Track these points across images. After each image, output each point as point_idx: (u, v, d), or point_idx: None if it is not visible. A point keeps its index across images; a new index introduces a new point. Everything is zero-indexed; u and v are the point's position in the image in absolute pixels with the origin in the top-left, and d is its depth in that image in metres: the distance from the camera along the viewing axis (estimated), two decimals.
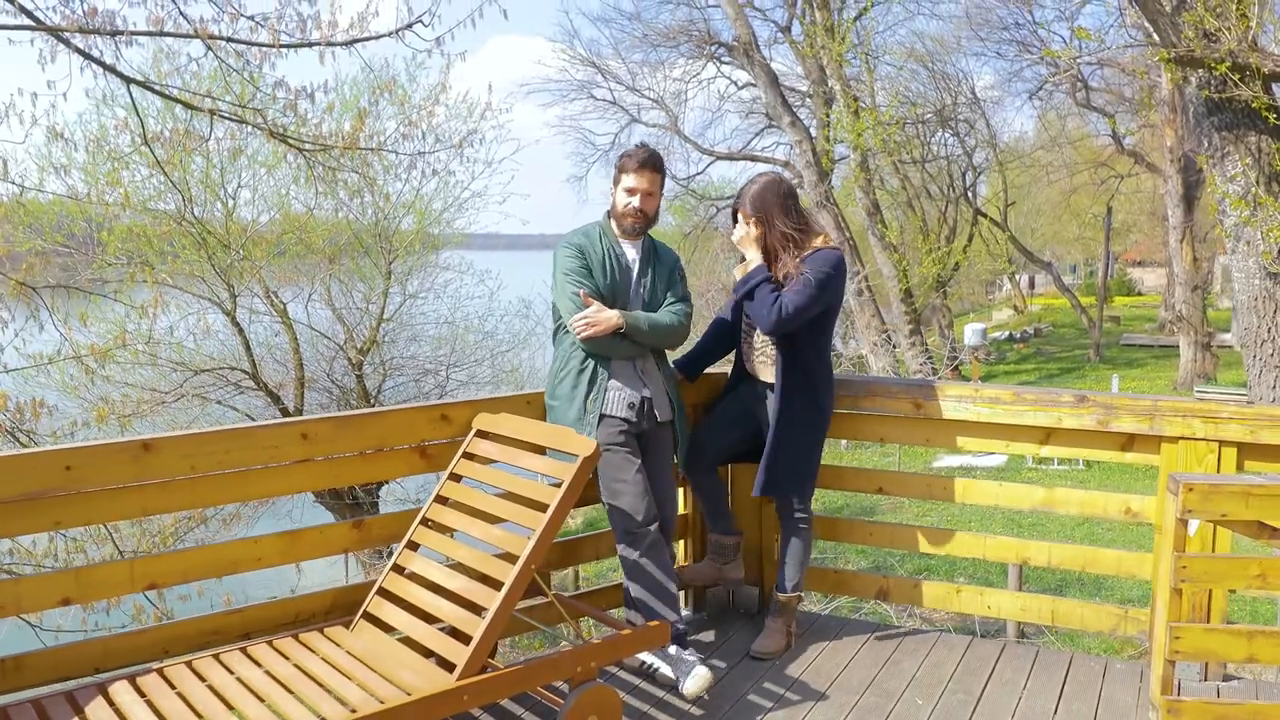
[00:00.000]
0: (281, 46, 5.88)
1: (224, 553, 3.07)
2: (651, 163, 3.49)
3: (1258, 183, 5.86)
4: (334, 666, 2.83)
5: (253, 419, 11.97)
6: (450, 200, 14.12)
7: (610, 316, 3.37)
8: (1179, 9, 5.86)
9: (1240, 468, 3.31)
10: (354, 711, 2.53)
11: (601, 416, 3.40)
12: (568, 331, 3.45)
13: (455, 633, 2.90)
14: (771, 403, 3.62)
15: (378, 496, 12.31)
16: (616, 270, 3.48)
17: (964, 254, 25.68)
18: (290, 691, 2.69)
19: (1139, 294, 43.15)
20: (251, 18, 5.80)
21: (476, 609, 2.86)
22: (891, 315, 20.75)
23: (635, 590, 3.40)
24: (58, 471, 2.69)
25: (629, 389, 3.44)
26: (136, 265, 11.35)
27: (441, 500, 3.24)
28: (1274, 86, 5.90)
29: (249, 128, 7.11)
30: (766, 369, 3.67)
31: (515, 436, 3.25)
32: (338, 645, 2.98)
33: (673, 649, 3.37)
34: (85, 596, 2.88)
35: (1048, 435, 3.60)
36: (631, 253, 3.55)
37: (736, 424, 3.80)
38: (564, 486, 2.91)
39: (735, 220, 3.68)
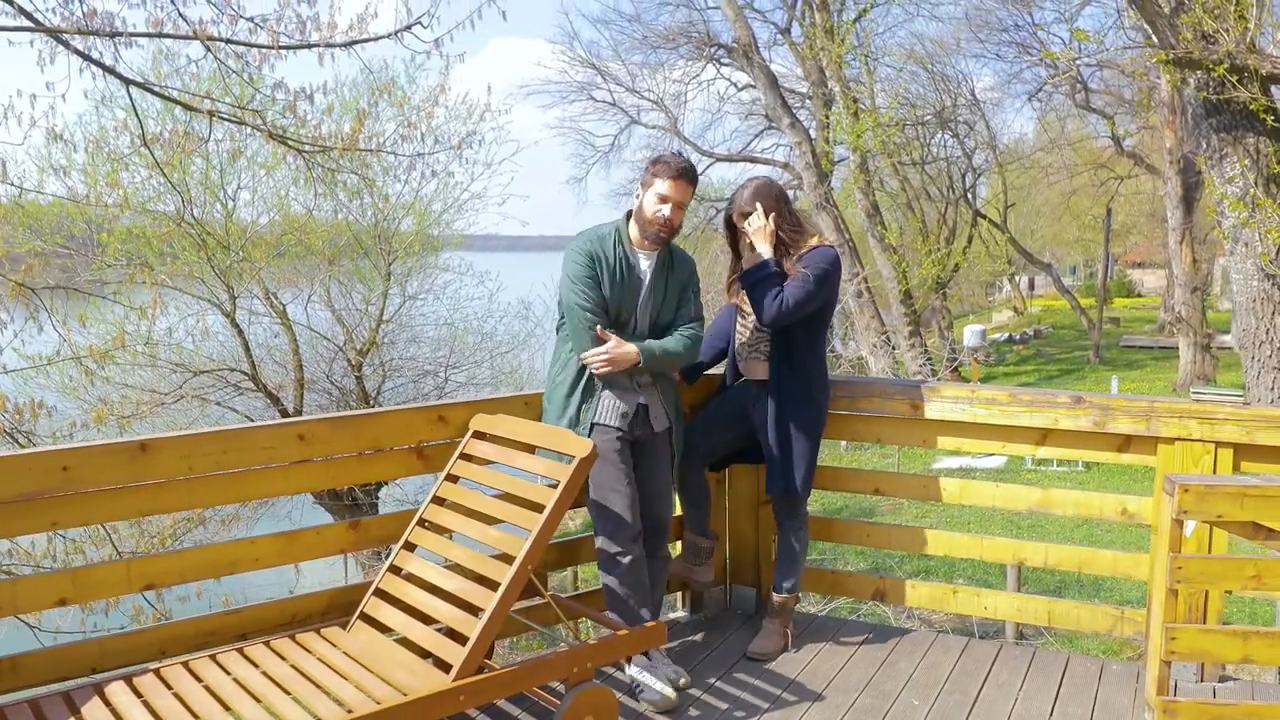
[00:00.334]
0: (281, 48, 5.88)
1: (221, 553, 3.08)
2: (688, 174, 3.37)
3: (1256, 184, 5.87)
4: (330, 667, 2.83)
5: (252, 420, 11.98)
6: (450, 202, 14.14)
7: (629, 353, 3.30)
8: (1177, 11, 5.88)
9: (1236, 468, 3.32)
10: (350, 712, 2.54)
11: (594, 425, 3.37)
12: (576, 324, 3.39)
13: (452, 633, 2.90)
14: (767, 402, 3.63)
15: (377, 498, 12.31)
16: (626, 280, 3.37)
17: (963, 255, 25.69)
18: (287, 692, 2.70)
19: (1139, 295, 43.17)
20: (251, 19, 5.81)
21: (473, 610, 2.86)
22: (891, 317, 20.76)
23: (611, 610, 3.42)
24: (55, 472, 2.69)
25: (623, 398, 3.40)
26: (136, 266, 11.36)
27: (438, 501, 3.24)
28: (1272, 88, 5.90)
29: (248, 129, 7.11)
30: (760, 368, 3.68)
31: (512, 437, 3.25)
32: (334, 646, 2.99)
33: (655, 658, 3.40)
34: (82, 596, 2.88)
35: (1044, 436, 3.61)
36: (645, 262, 3.42)
37: (729, 424, 3.80)
38: (560, 488, 2.91)
39: (729, 226, 3.70)
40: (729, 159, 23.09)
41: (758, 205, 3.59)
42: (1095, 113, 24.47)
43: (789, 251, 3.57)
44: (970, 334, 23.73)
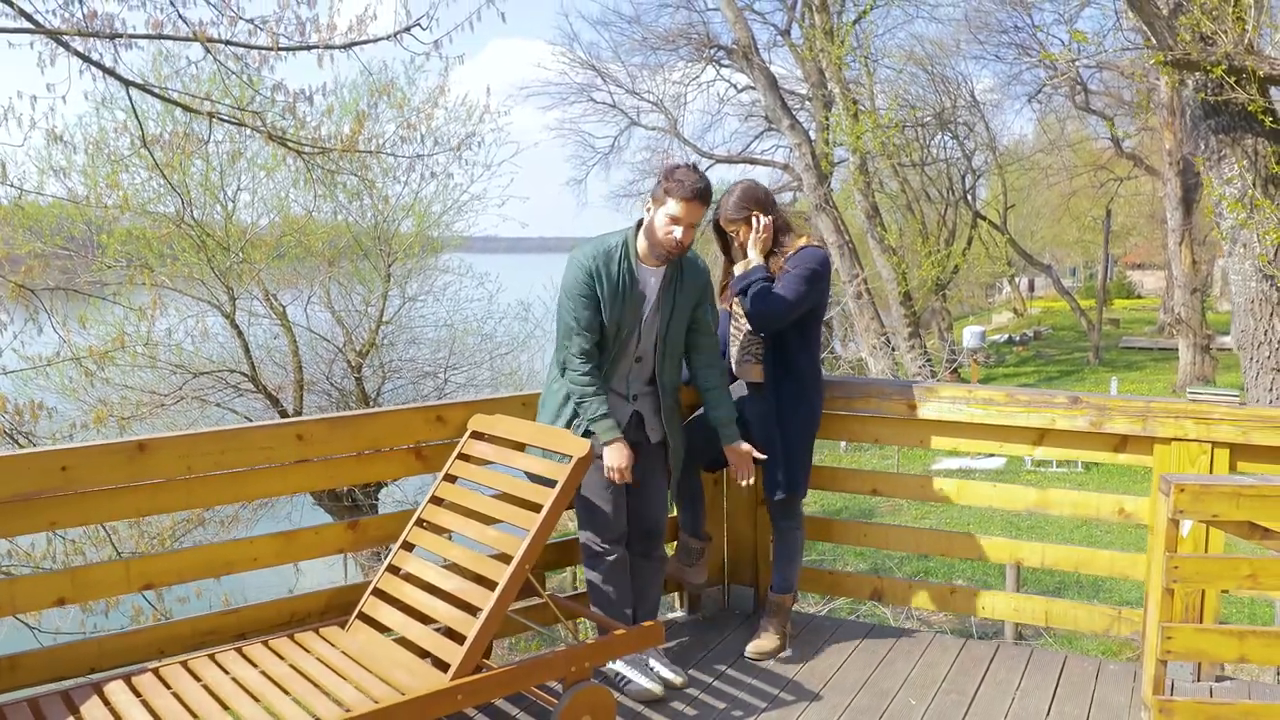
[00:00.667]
0: (280, 49, 5.90)
1: (220, 553, 3.09)
2: (702, 196, 3.23)
3: (1254, 185, 5.87)
4: (329, 666, 2.84)
5: (251, 421, 11.98)
6: (449, 203, 14.12)
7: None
8: (1175, 12, 5.88)
9: (1233, 469, 3.32)
10: (349, 711, 2.55)
11: (587, 431, 3.33)
12: (566, 339, 3.36)
13: (450, 633, 2.91)
14: (762, 404, 3.63)
15: (377, 499, 12.31)
16: (629, 297, 3.27)
17: (963, 257, 25.73)
18: (285, 691, 2.70)
19: (1138, 297, 43.16)
20: (250, 21, 5.82)
21: (471, 609, 2.86)
22: (890, 318, 20.77)
23: (594, 605, 3.44)
24: (53, 472, 2.70)
25: (618, 409, 3.38)
26: (136, 268, 11.35)
27: (436, 501, 3.25)
28: (1270, 90, 5.91)
29: (248, 131, 7.13)
30: (755, 370, 3.68)
31: (510, 438, 3.26)
32: (333, 645, 2.99)
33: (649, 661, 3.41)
34: (81, 596, 2.89)
35: (1041, 437, 3.61)
36: (652, 278, 3.32)
37: None
38: (558, 488, 2.92)
39: (719, 232, 3.70)
40: (729, 160, 23.12)
41: (753, 211, 3.59)
42: (1095, 114, 24.51)
43: (775, 252, 3.59)
44: (970, 335, 23.75)
